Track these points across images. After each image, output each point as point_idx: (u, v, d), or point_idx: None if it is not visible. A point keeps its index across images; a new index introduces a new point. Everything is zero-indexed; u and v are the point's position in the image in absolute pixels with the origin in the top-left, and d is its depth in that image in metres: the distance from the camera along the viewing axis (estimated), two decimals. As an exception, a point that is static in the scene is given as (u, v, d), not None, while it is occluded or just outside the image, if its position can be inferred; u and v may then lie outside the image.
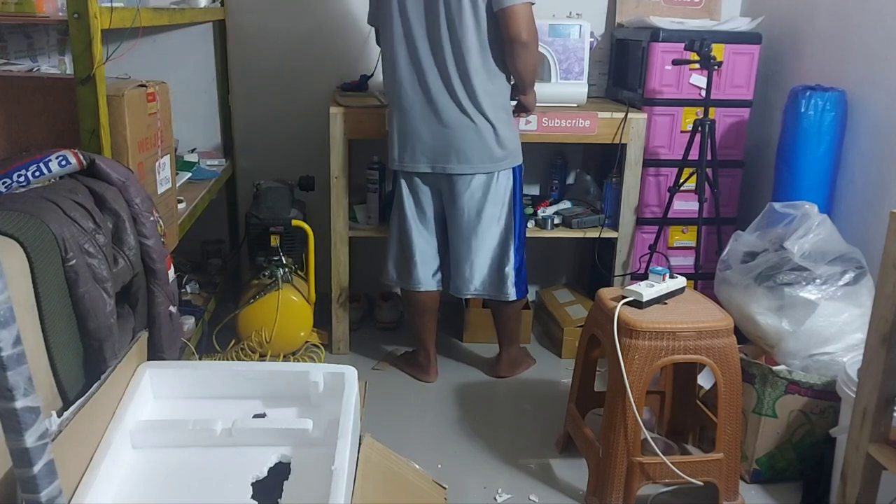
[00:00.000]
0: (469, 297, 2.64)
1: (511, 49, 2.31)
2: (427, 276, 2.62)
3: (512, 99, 2.51)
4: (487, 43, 2.34)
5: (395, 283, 2.70)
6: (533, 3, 2.28)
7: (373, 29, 2.58)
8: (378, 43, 2.58)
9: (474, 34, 2.32)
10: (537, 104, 2.61)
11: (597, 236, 2.93)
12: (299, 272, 2.85)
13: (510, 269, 2.57)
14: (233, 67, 3.14)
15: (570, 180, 3.25)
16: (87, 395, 1.29)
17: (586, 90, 2.85)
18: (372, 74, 3.03)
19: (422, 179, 2.52)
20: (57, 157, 1.48)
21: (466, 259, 2.56)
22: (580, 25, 2.82)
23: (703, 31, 2.79)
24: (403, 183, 2.54)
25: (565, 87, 2.83)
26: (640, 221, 2.91)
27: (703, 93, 2.64)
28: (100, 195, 1.49)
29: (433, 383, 2.73)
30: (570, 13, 2.93)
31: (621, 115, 2.76)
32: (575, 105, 2.84)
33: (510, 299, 2.60)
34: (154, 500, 1.30)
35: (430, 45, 2.35)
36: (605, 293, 2.10)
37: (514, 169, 2.51)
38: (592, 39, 2.96)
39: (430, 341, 2.73)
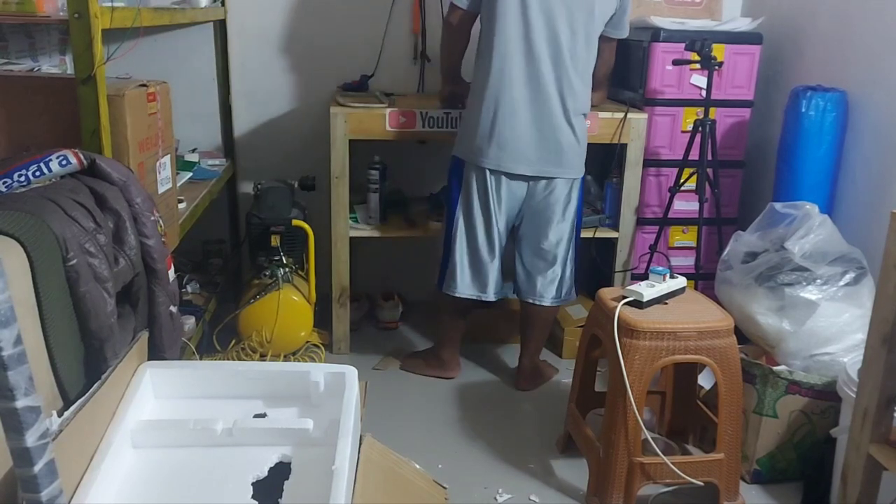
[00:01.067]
0: (549, 304, 2.58)
1: (597, 64, 2.54)
2: (505, 284, 2.60)
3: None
4: (593, 55, 2.42)
5: (468, 293, 2.55)
6: None
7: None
8: (450, 20, 2.45)
9: (592, 45, 2.40)
10: None
11: (597, 236, 2.94)
12: (300, 272, 2.85)
13: (572, 273, 2.62)
14: (233, 67, 3.14)
15: (571, 180, 3.25)
16: (87, 394, 1.29)
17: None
18: (372, 74, 3.03)
19: (512, 180, 2.45)
20: (57, 157, 1.48)
21: (551, 265, 2.55)
22: None
23: (704, 32, 2.78)
24: (491, 182, 2.44)
25: None
26: (641, 221, 2.91)
27: (704, 93, 2.64)
28: (100, 195, 1.49)
29: (434, 383, 2.72)
30: None
31: (621, 115, 2.76)
32: None
33: (573, 300, 2.69)
34: (154, 499, 1.30)
35: (550, 50, 2.33)
36: (606, 293, 2.10)
37: (582, 176, 2.57)
38: None
39: (458, 339, 2.73)
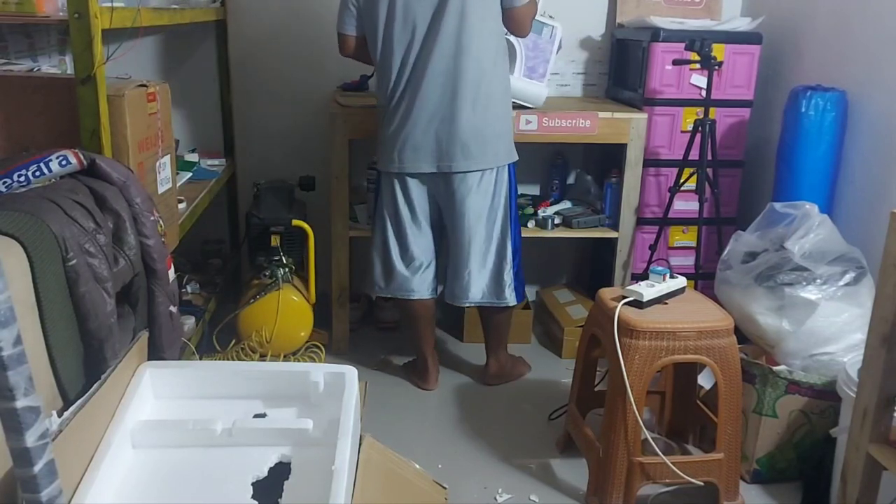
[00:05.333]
0: (466, 305, 2.57)
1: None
2: (423, 283, 2.55)
3: None
4: (495, 34, 2.32)
5: (384, 292, 2.60)
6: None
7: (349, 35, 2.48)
8: (342, 52, 2.53)
9: (488, 26, 2.30)
10: (529, 103, 2.58)
11: (597, 236, 2.93)
12: (299, 272, 2.85)
13: (509, 274, 2.51)
14: (233, 67, 3.14)
15: (571, 180, 3.25)
16: (87, 394, 1.29)
17: (546, 93, 2.77)
18: (372, 74, 3.01)
19: (419, 181, 2.44)
20: (57, 157, 1.48)
21: (465, 265, 2.49)
22: (553, 27, 2.75)
23: (704, 31, 2.78)
24: (397, 185, 2.46)
25: (526, 84, 2.73)
26: (641, 221, 2.91)
27: (704, 93, 2.64)
28: (100, 195, 1.49)
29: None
30: (544, 13, 2.84)
31: (621, 115, 2.76)
32: (531, 105, 2.76)
33: (510, 305, 2.55)
34: (154, 500, 1.30)
35: (432, 44, 2.28)
36: (606, 293, 2.10)
37: (509, 166, 2.46)
38: (560, 47, 2.84)
39: (429, 349, 2.67)
